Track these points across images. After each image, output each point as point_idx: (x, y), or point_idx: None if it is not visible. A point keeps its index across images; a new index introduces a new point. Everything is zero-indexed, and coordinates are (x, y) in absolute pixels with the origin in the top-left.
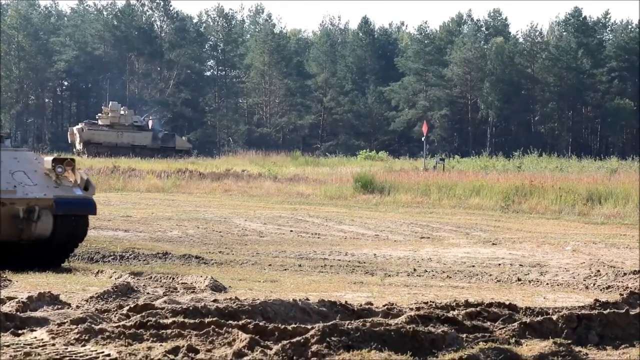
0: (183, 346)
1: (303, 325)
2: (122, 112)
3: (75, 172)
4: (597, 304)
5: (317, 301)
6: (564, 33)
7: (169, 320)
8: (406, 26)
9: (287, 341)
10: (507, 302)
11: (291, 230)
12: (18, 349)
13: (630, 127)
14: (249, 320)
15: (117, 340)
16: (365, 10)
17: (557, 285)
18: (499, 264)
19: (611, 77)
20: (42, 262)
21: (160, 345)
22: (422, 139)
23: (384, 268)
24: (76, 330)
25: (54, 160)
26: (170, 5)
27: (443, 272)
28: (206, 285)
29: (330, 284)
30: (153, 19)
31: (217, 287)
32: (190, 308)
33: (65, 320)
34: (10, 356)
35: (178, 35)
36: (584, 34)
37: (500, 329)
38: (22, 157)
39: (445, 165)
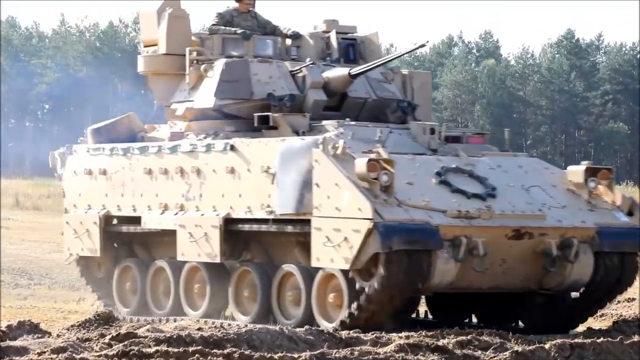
0: None
1: (290, 354)
2: None
3: (612, 189)
4: (591, 332)
5: (304, 329)
6: (557, 55)
7: (152, 349)
8: (396, 48)
9: None
10: (498, 330)
11: None
12: None
13: (625, 151)
14: (234, 349)
15: None
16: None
17: None
18: None
19: (605, 101)
20: (557, 321)
21: None
22: None
23: None
24: None
25: (586, 171)
26: None
27: None
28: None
29: None
30: (137, 40)
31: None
32: (174, 337)
33: (46, 350)
34: None
35: None
36: (577, 56)
37: (491, 358)
38: (529, 165)
39: None
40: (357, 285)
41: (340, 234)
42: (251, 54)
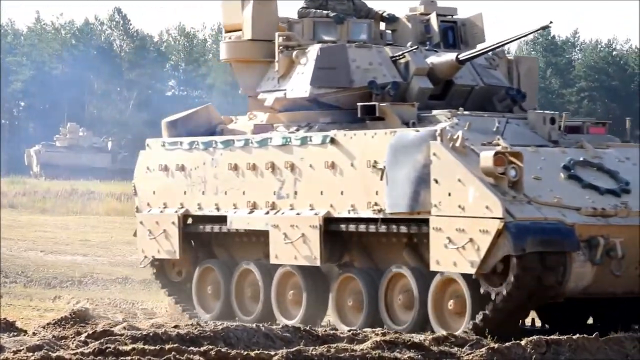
0: None
1: (266, 352)
2: (80, 134)
3: None
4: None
5: (281, 326)
6: (532, 52)
7: (129, 347)
8: None
9: None
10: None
11: None
12: None
13: None
14: (210, 347)
15: None
16: None
17: None
18: None
19: (580, 98)
20: None
21: None
22: None
23: None
24: (33, 358)
25: None
26: (130, 24)
27: None
28: (167, 311)
29: None
30: (112, 38)
31: (177, 312)
32: (151, 334)
33: (22, 348)
34: None
35: (138, 54)
36: (553, 53)
37: (467, 354)
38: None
39: None
40: (484, 291)
41: (464, 234)
42: (344, 38)
